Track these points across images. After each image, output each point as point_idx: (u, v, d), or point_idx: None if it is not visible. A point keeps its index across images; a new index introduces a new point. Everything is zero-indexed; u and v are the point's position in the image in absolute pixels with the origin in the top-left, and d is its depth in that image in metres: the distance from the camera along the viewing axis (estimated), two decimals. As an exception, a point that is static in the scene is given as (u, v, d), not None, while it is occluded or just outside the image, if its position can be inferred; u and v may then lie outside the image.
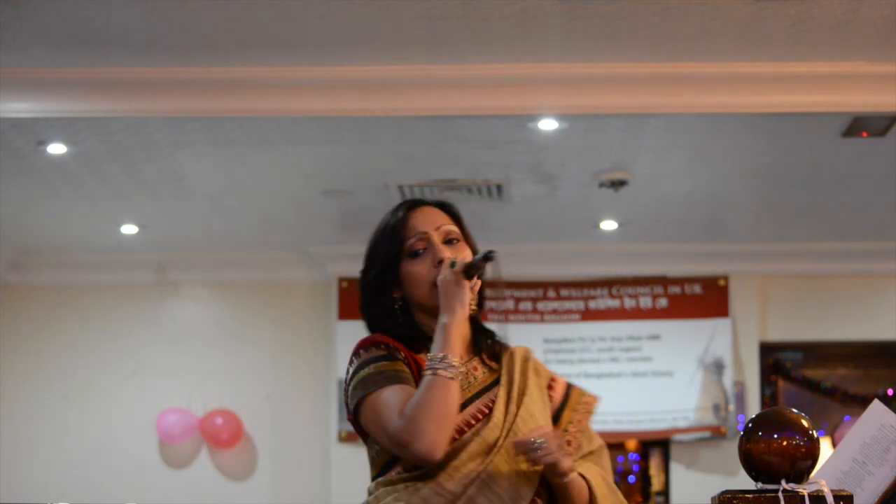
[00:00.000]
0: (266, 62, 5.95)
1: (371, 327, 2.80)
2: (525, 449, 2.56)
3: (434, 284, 2.70)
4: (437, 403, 2.57)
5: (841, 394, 9.27)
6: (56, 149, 6.81)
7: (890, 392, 9.16)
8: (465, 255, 2.76)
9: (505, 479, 2.62)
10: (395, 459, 2.65)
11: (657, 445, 9.37)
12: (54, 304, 9.38)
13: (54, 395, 9.30)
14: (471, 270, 2.68)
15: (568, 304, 9.25)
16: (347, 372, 2.72)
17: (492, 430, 2.63)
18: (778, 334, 9.34)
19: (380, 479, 2.67)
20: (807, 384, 9.34)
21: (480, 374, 2.75)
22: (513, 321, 9.08)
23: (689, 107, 6.21)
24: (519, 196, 7.87)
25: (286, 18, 5.47)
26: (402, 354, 2.69)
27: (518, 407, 2.69)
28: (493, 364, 2.78)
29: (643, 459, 9.54)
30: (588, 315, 9.23)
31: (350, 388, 2.69)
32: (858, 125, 6.47)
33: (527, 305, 9.24)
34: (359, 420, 2.69)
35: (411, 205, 2.84)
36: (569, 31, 5.61)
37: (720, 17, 5.45)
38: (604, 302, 9.25)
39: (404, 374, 2.66)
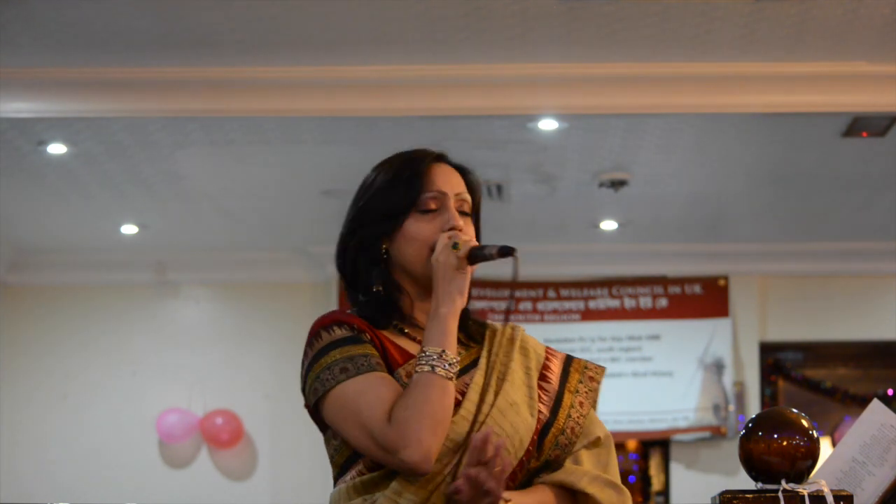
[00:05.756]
0: (266, 62, 5.95)
1: (350, 283, 2.40)
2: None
3: (432, 249, 2.31)
4: (433, 407, 2.15)
5: (841, 394, 9.27)
6: (56, 149, 6.81)
7: (890, 392, 9.16)
8: (470, 235, 2.39)
9: None
10: (354, 457, 2.25)
11: (657, 445, 9.37)
12: (54, 304, 9.37)
13: (54, 395, 9.29)
14: (477, 258, 2.32)
15: (568, 304, 9.24)
16: (306, 355, 2.29)
17: (458, 426, 2.21)
18: (778, 334, 9.34)
19: (341, 485, 2.27)
20: (807, 384, 9.34)
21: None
22: (512, 321, 9.08)
23: (689, 107, 6.20)
24: (519, 196, 7.86)
25: (286, 18, 5.47)
26: (368, 336, 2.27)
27: (496, 395, 2.29)
28: (472, 343, 2.40)
29: (643, 459, 9.54)
30: (588, 315, 9.23)
31: (310, 374, 2.26)
32: (858, 125, 6.47)
33: (527, 305, 9.24)
34: (321, 413, 2.26)
35: (436, 157, 2.52)
36: (569, 31, 5.60)
37: (720, 17, 5.45)
38: (604, 302, 9.25)
39: (375, 360, 2.24)
